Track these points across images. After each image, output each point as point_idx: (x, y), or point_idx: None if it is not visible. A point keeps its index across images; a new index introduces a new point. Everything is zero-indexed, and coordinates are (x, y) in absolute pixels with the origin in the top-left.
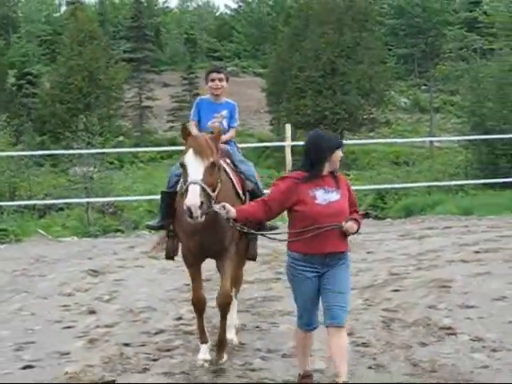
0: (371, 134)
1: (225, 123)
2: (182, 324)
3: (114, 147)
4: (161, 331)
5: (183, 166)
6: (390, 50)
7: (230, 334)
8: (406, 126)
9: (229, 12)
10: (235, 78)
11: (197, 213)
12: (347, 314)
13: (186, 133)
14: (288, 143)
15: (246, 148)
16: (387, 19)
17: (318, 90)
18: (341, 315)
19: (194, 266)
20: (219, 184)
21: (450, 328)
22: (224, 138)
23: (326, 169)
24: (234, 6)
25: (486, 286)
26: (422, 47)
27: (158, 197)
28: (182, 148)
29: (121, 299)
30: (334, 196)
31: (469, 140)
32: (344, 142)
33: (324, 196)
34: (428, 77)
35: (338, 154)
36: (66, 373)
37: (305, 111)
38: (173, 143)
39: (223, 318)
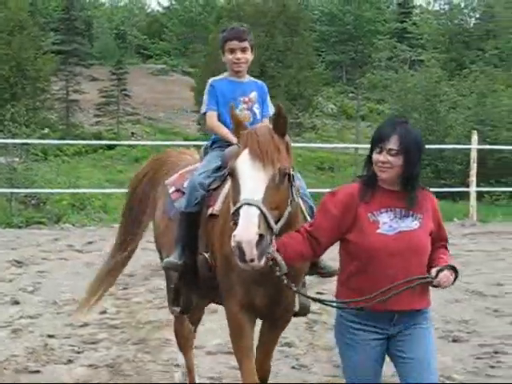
0: (297, 139)
1: (257, 111)
2: (107, 318)
3: (39, 139)
4: (85, 324)
5: (233, 175)
6: (319, 55)
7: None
8: (332, 132)
9: (160, 10)
10: (164, 76)
11: (252, 253)
12: None
13: (237, 123)
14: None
15: (170, 146)
16: (318, 25)
17: None
18: None
19: (249, 333)
20: (289, 207)
21: None
22: None
23: (383, 178)
24: (165, 3)
25: None
26: (352, 55)
27: (82, 190)
28: (109, 143)
29: (45, 291)
30: (410, 223)
31: None
32: None
33: (392, 222)
34: (356, 84)
35: (377, 157)
36: None
37: None
38: (98, 138)
39: None
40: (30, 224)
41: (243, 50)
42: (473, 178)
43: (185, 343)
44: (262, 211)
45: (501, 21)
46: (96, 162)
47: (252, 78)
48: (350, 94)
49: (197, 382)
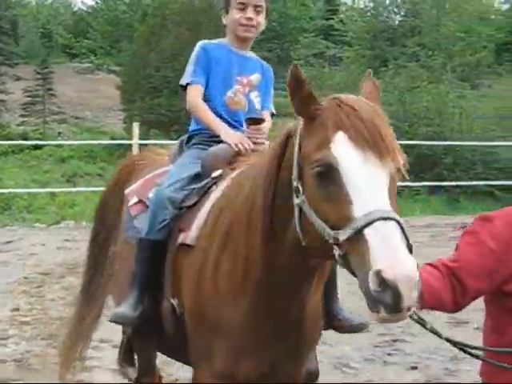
0: None
1: (255, 100)
2: (19, 315)
3: None
4: None
5: (330, 173)
6: None
7: None
8: None
9: (85, 8)
10: (90, 75)
11: (412, 298)
12: None
13: (304, 90)
14: (135, 141)
15: (97, 145)
16: None
17: (174, 90)
18: None
19: None
20: None
21: None
22: (264, 126)
23: None
24: (90, 2)
25: None
26: (278, 52)
27: (7, 190)
28: (36, 143)
29: None
30: None
31: None
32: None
33: None
34: (282, 82)
35: None
36: None
37: (159, 110)
38: (25, 138)
39: None
40: None
41: (257, 8)
42: None
43: None
44: (402, 227)
45: (426, 18)
46: (22, 163)
47: (256, 56)
48: (278, 92)
49: (101, 374)
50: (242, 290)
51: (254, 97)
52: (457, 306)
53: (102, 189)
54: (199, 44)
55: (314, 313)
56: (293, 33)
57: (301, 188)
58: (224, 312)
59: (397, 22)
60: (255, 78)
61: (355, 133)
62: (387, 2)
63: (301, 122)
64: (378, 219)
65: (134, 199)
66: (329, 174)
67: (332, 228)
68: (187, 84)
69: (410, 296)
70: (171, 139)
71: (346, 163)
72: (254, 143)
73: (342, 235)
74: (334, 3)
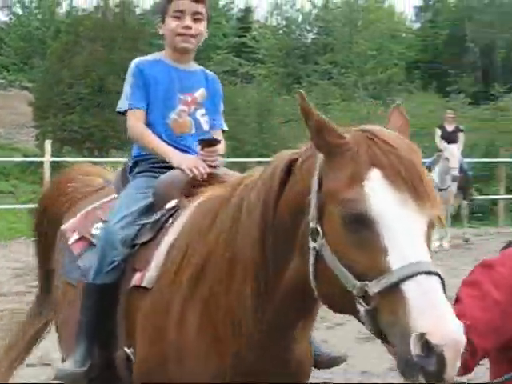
0: None
1: (202, 120)
2: None
3: None
4: None
5: (362, 215)
6: None
7: None
8: None
9: None
10: (2, 91)
11: (456, 366)
12: None
13: (314, 121)
14: (47, 159)
15: (9, 163)
16: (158, 40)
17: (86, 107)
18: None
19: None
20: None
21: None
22: (218, 148)
23: None
24: (3, 18)
25: None
26: None
27: None
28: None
29: None
30: None
31: (229, 162)
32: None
33: None
34: None
35: None
36: None
37: (71, 127)
38: None
39: None
40: None
41: (197, 16)
42: None
43: None
44: (443, 283)
45: (338, 36)
46: None
47: (200, 67)
48: None
49: None
50: (220, 342)
51: (200, 115)
52: (466, 371)
53: (14, 206)
54: (134, 62)
55: (302, 361)
56: (206, 50)
57: (320, 230)
58: (192, 368)
59: (309, 40)
60: (200, 94)
61: (392, 171)
62: (300, 19)
63: (319, 155)
64: (420, 273)
65: (75, 236)
66: (361, 217)
67: (358, 278)
68: (125, 111)
69: (454, 364)
70: (84, 156)
71: (382, 205)
72: (210, 166)
73: (374, 287)
74: (247, 21)
